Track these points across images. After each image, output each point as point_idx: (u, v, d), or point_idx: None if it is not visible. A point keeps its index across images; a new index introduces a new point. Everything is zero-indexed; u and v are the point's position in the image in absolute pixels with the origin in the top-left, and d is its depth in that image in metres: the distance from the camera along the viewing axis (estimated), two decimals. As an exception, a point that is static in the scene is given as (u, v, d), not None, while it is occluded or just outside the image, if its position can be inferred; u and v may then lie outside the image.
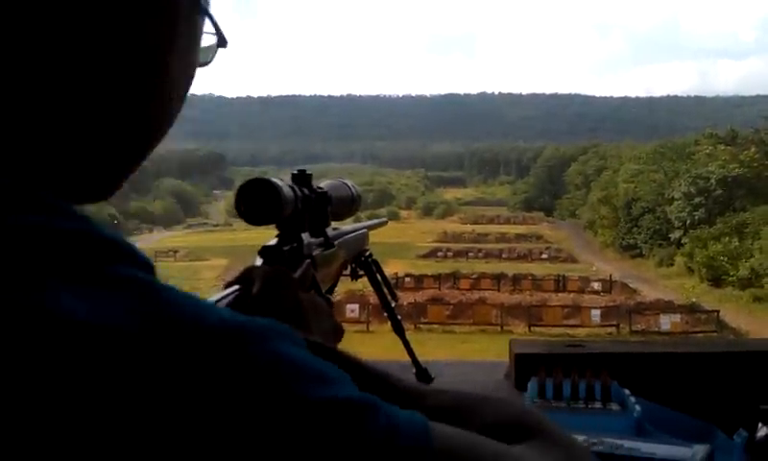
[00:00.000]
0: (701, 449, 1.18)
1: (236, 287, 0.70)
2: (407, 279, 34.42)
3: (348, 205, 0.99)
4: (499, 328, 25.94)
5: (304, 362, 0.42)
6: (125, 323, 0.37)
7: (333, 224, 0.94)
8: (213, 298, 0.66)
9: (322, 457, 0.39)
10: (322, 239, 0.89)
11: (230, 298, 0.68)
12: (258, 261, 0.76)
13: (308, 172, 0.85)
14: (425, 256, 50.60)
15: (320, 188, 0.87)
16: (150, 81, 0.50)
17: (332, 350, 0.63)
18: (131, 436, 0.36)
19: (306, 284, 0.80)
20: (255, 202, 0.72)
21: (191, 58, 0.54)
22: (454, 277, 36.40)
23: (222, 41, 0.58)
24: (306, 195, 0.81)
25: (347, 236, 1.00)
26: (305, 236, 0.82)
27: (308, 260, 0.81)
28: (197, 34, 0.55)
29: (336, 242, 0.93)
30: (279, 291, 0.71)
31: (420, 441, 0.42)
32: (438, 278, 35.53)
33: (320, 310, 0.76)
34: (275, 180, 0.73)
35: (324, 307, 0.79)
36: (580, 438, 1.21)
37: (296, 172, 0.83)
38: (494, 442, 0.48)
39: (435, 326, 26.28)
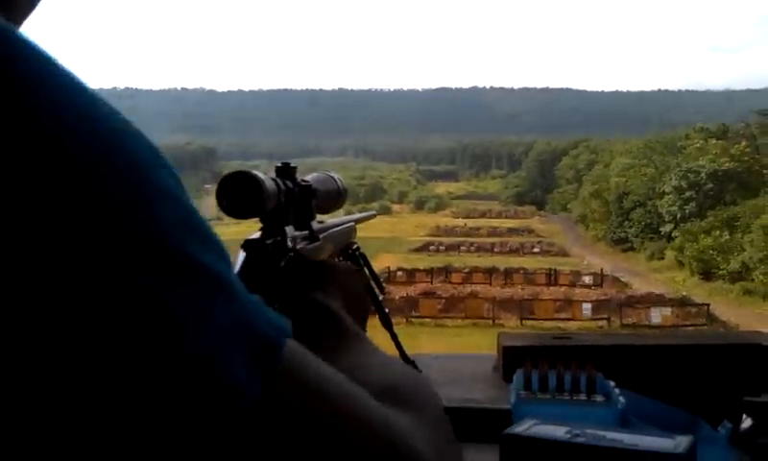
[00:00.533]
0: (684, 441, 1.19)
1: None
2: (399, 274, 34.50)
3: (335, 198, 0.99)
4: (491, 322, 26.02)
5: (185, 205, 0.37)
6: None
7: (320, 217, 0.94)
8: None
9: (149, 319, 0.33)
10: (306, 232, 0.89)
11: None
12: (241, 255, 0.76)
13: (295, 165, 0.84)
14: (417, 250, 50.71)
15: (304, 181, 0.87)
16: None
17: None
18: None
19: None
20: (237, 195, 0.70)
21: None
22: (446, 271, 36.50)
23: None
24: (290, 188, 0.80)
25: (333, 230, 1.00)
26: (289, 230, 0.82)
27: (292, 254, 0.82)
28: None
29: (322, 235, 0.93)
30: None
31: (270, 348, 0.37)
32: (430, 272, 35.62)
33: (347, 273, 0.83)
34: (256, 173, 0.72)
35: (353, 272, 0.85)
36: (563, 429, 1.22)
37: (279, 165, 0.83)
38: (366, 396, 0.42)
39: (427, 319, 26.34)
